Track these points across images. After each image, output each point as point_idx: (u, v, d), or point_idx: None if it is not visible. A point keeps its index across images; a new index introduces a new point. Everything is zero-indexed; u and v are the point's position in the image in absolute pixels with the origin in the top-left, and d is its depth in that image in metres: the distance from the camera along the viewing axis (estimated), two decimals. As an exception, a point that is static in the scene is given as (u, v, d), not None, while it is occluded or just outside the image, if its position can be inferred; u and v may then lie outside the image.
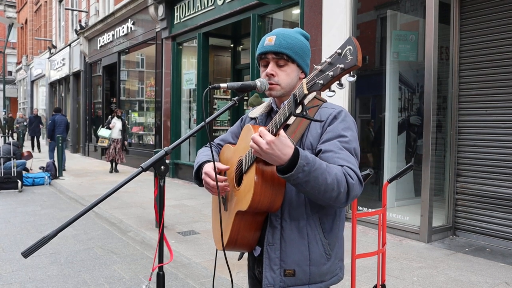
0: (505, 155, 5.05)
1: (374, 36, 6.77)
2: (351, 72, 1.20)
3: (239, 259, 1.93)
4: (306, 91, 1.26)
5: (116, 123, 12.11)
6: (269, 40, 1.62)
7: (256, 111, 1.81)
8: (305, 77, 1.67)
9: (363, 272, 4.16)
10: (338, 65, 1.19)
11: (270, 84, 1.63)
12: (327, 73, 1.21)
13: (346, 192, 1.44)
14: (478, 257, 4.73)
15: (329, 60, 1.23)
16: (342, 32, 6.21)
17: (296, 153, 1.37)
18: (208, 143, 1.87)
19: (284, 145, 1.36)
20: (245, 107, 9.63)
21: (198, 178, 1.81)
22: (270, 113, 1.76)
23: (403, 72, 6.40)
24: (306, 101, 1.50)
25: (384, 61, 6.35)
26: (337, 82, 1.22)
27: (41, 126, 19.94)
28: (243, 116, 1.93)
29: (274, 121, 1.41)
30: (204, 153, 1.85)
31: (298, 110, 1.31)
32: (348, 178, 1.44)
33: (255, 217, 1.59)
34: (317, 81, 1.24)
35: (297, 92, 1.30)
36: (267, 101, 1.81)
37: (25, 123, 21.45)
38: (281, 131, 1.39)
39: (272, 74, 1.62)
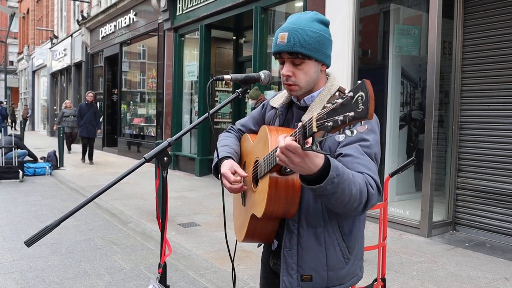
0: (507, 150, 5.05)
1: (377, 30, 6.74)
2: (351, 126, 1.08)
3: (258, 246, 1.91)
4: (315, 129, 1.15)
5: None
6: (281, 38, 1.50)
7: (277, 100, 1.73)
8: (327, 68, 1.59)
9: (363, 265, 4.17)
10: (348, 113, 1.07)
11: (288, 85, 1.55)
12: (337, 117, 1.09)
13: (365, 202, 1.38)
14: (478, 252, 4.75)
15: (340, 101, 1.11)
16: (345, 26, 6.17)
17: (327, 164, 1.27)
18: (229, 127, 1.89)
19: (316, 156, 1.25)
20: (246, 100, 9.61)
21: (217, 171, 1.74)
22: (290, 105, 1.69)
23: (405, 67, 6.37)
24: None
25: (386, 55, 6.32)
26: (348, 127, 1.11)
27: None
28: (264, 102, 1.86)
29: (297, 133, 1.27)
30: (224, 142, 1.80)
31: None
32: (369, 187, 1.38)
33: (271, 220, 1.58)
34: (327, 123, 1.11)
35: (307, 124, 1.18)
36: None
37: (74, 117, 14.17)
38: (309, 138, 1.25)
39: (289, 75, 1.52)
